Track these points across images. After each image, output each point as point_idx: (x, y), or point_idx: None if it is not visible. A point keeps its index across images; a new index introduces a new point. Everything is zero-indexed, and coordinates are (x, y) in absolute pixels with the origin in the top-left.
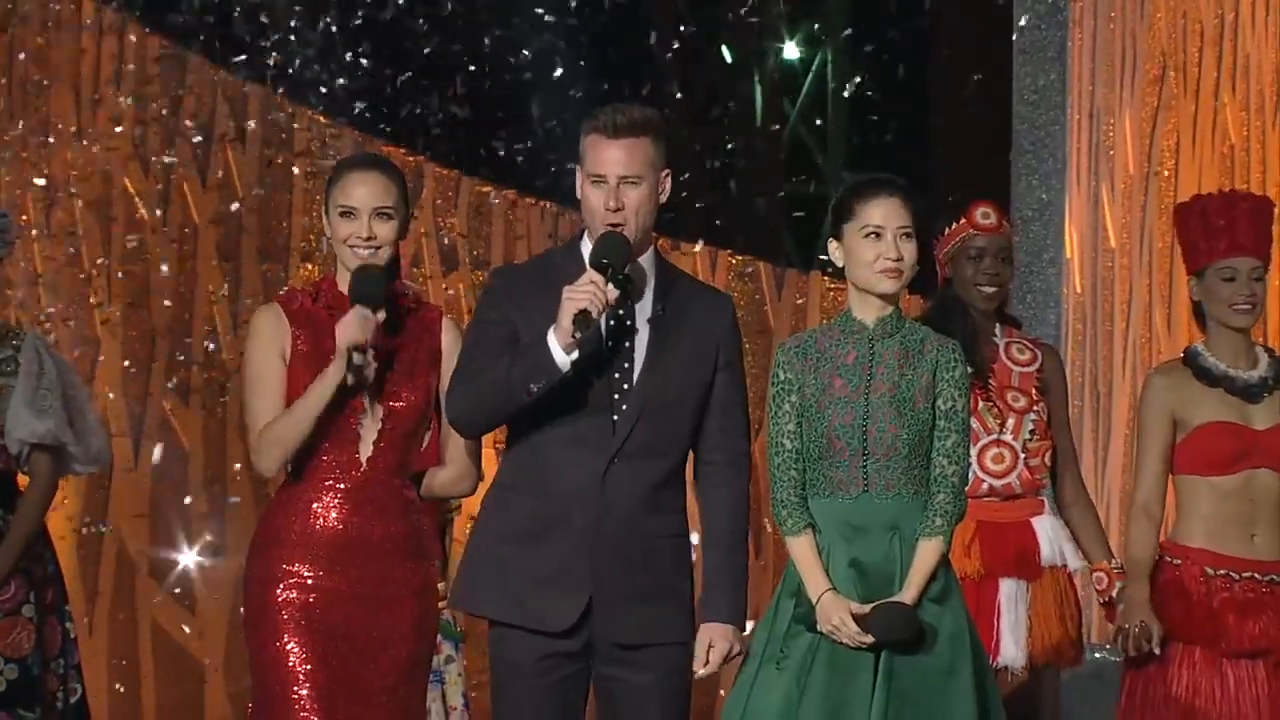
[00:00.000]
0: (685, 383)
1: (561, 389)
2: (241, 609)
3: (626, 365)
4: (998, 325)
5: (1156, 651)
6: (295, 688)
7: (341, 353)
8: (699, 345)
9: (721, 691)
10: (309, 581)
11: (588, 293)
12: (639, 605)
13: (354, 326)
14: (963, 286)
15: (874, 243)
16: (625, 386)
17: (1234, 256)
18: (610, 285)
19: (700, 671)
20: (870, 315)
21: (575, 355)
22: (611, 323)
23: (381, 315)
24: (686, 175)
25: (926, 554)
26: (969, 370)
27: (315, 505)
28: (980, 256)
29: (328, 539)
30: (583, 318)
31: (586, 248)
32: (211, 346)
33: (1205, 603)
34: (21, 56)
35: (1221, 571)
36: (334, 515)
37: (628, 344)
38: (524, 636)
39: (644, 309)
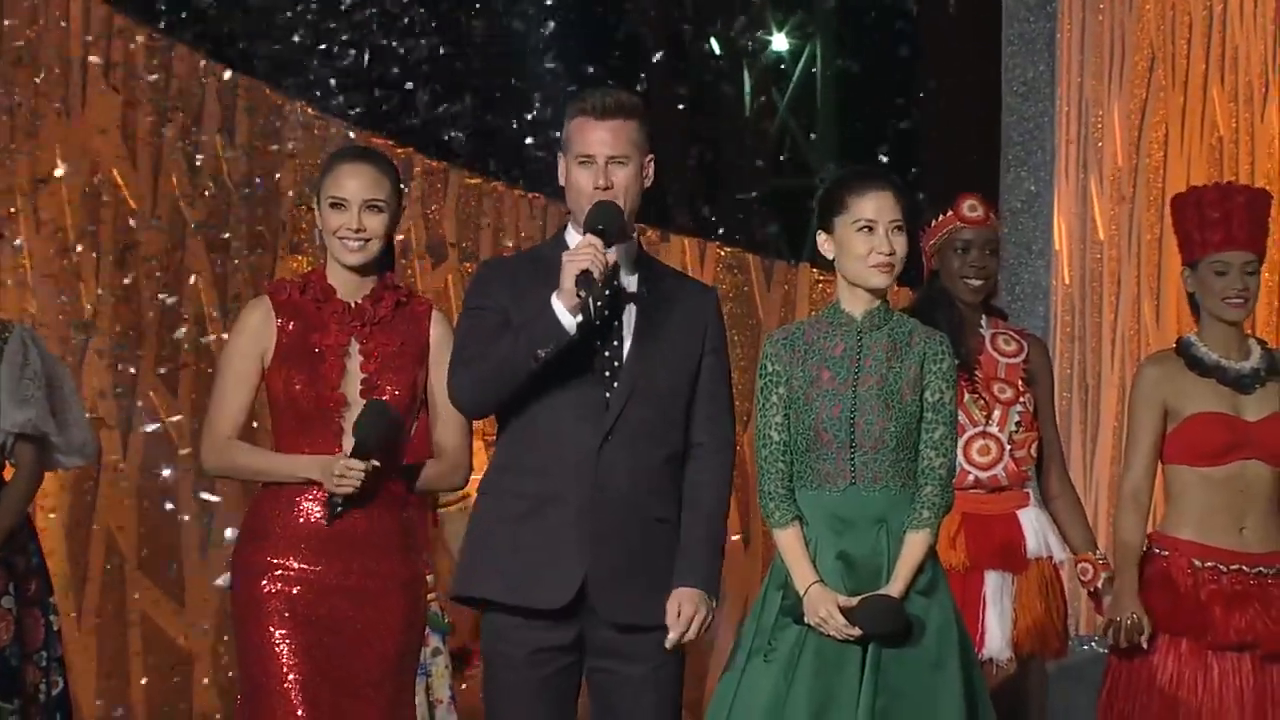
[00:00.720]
0: (674, 362)
1: (554, 368)
2: (229, 601)
3: (616, 343)
4: (983, 317)
5: (1145, 646)
6: (282, 680)
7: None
8: (685, 329)
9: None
10: (295, 574)
11: (588, 255)
12: (634, 585)
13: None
14: (949, 279)
15: (867, 236)
16: (615, 364)
17: (1227, 250)
18: (609, 248)
19: (671, 636)
20: (858, 307)
21: (580, 318)
22: (607, 293)
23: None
24: (675, 168)
25: (913, 547)
26: (956, 362)
27: (301, 498)
28: (967, 249)
29: (314, 532)
30: (585, 278)
31: (572, 237)
32: (200, 338)
33: (1192, 594)
34: (9, 48)
35: (1209, 563)
36: (320, 508)
37: (616, 323)
38: (517, 627)
39: (630, 293)
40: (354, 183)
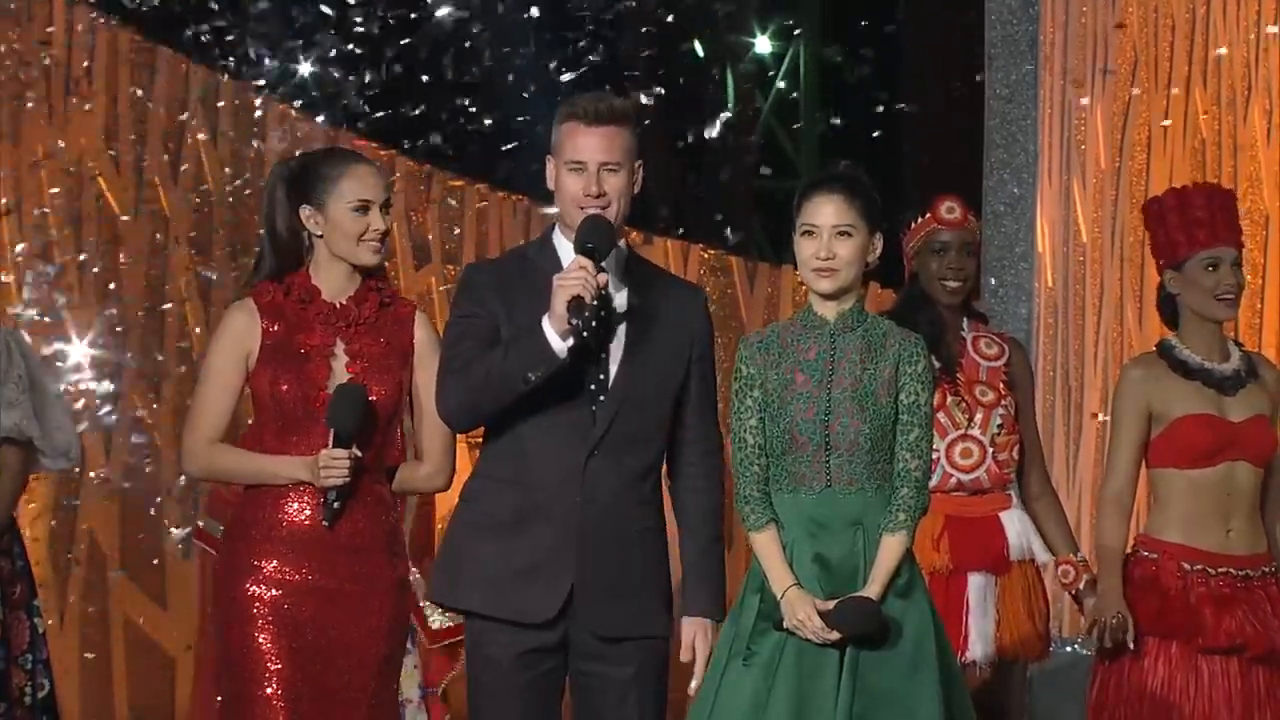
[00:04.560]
0: (662, 375)
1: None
2: (212, 603)
3: (603, 356)
4: (964, 320)
5: (1131, 645)
6: (264, 684)
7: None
8: (674, 337)
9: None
10: (279, 577)
11: (579, 279)
12: (620, 597)
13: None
14: (928, 281)
15: (809, 241)
16: (602, 377)
17: (1216, 246)
18: (600, 270)
19: (694, 685)
20: (830, 310)
21: (571, 342)
22: (602, 313)
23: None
24: (659, 170)
25: (890, 549)
26: (935, 365)
27: (286, 501)
28: (944, 251)
29: (299, 535)
30: (576, 304)
31: (559, 240)
32: (183, 340)
33: (1182, 597)
34: None
35: (1198, 566)
36: (305, 511)
37: (603, 335)
38: (502, 631)
39: (619, 302)
40: (375, 183)
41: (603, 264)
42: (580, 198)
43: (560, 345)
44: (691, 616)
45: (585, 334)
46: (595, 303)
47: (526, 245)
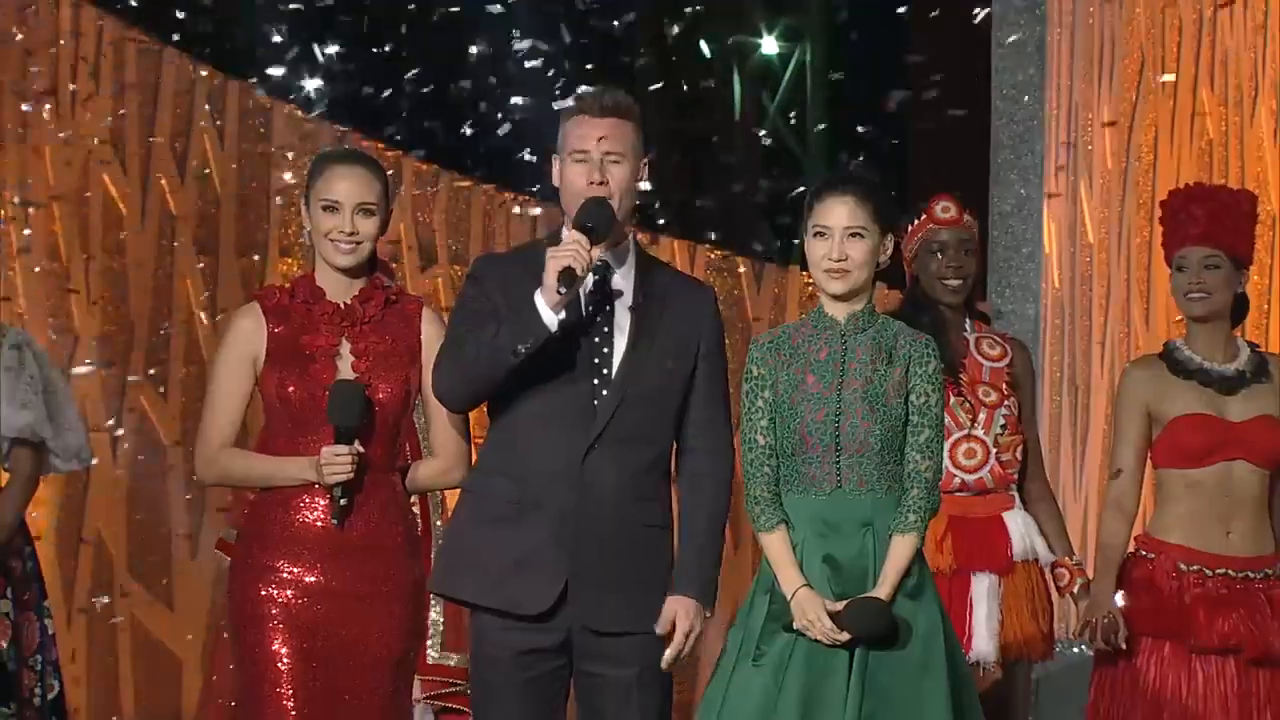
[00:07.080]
0: (667, 371)
1: (543, 370)
2: (224, 604)
3: (606, 350)
4: (967, 320)
5: (1123, 646)
6: (277, 685)
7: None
8: (681, 334)
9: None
10: (292, 579)
11: (571, 251)
12: (618, 591)
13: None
14: (928, 282)
15: (821, 242)
16: (605, 371)
17: (1185, 246)
18: (594, 246)
19: (668, 655)
20: (841, 311)
21: (562, 315)
22: (599, 298)
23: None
24: (666, 170)
25: (900, 550)
26: (941, 365)
27: (298, 503)
28: (943, 250)
29: (312, 537)
30: (567, 274)
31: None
32: (190, 340)
33: (1176, 597)
34: None
35: (1195, 567)
36: (319, 512)
37: (608, 329)
38: (503, 629)
39: (625, 296)
40: (346, 185)
41: (600, 244)
42: (584, 186)
43: (551, 318)
44: (673, 596)
45: (581, 305)
46: (586, 276)
47: (537, 241)
